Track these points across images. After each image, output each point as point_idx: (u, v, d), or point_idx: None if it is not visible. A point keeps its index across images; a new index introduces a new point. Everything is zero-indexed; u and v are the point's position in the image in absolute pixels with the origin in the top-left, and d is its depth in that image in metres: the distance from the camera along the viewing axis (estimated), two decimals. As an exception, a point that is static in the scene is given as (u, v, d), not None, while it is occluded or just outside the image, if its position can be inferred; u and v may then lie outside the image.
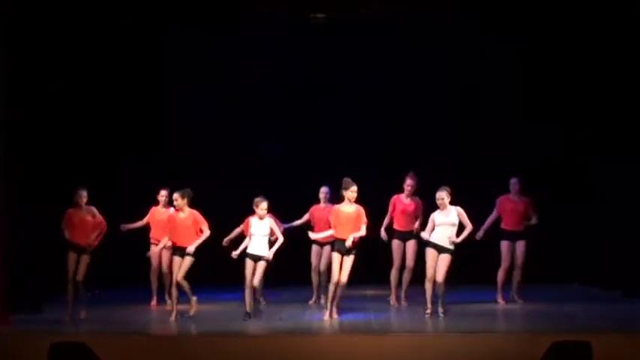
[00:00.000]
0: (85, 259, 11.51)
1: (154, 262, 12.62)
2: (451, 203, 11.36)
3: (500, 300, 12.41)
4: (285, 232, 11.70)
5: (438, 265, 11.28)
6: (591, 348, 8.21)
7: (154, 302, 12.67)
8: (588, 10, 12.93)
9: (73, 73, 13.44)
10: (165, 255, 12.27)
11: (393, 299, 12.44)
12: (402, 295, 12.42)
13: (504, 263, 12.48)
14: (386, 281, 12.65)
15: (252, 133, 14.88)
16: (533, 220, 12.51)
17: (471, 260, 12.51)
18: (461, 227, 11.35)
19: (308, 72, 14.65)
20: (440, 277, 11.23)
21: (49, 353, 8.27)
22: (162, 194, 12.62)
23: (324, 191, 12.55)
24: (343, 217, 11.18)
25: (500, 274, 12.52)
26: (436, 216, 11.38)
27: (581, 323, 10.77)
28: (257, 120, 14.87)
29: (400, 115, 14.77)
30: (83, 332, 10.27)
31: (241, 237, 11.58)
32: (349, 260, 11.09)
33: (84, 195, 11.56)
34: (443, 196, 11.34)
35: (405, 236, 12.35)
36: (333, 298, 11.16)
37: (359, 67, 14.60)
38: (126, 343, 9.92)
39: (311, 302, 12.68)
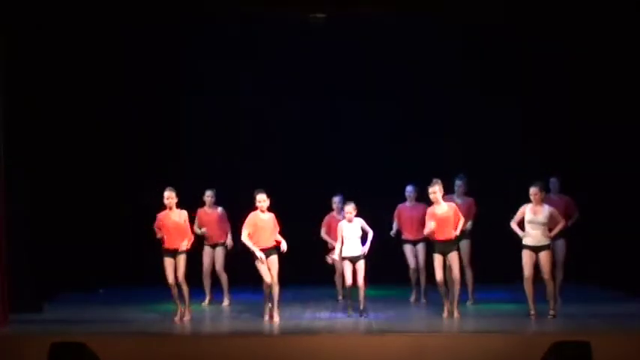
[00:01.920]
0: (181, 258, 11.22)
1: (207, 262, 12.66)
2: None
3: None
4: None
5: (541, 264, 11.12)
6: (591, 348, 8.22)
7: (206, 302, 12.67)
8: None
9: (82, 74, 13.52)
10: (220, 255, 12.40)
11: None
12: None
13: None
14: (386, 282, 12.68)
15: (251, 134, 14.88)
16: (574, 219, 12.44)
17: (472, 260, 12.51)
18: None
19: (307, 72, 14.66)
20: (547, 274, 11.13)
21: (49, 353, 8.27)
22: (209, 195, 12.61)
23: (409, 190, 12.56)
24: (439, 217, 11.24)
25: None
26: (527, 212, 11.18)
27: (581, 323, 10.77)
28: (256, 120, 14.86)
29: (401, 116, 14.77)
30: (83, 332, 10.26)
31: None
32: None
33: (172, 196, 11.25)
34: (536, 191, 11.15)
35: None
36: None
37: (359, 67, 14.60)
38: (126, 343, 9.93)
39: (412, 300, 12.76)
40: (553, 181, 12.59)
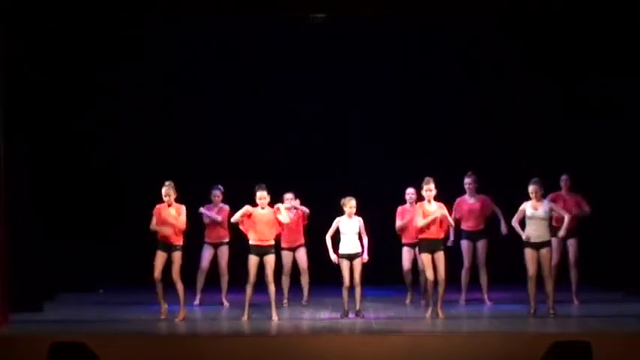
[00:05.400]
0: (176, 255, 11.20)
1: (205, 262, 12.52)
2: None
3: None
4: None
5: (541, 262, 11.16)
6: (591, 348, 8.21)
7: (197, 302, 12.54)
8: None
9: (75, 69, 13.50)
10: (225, 253, 12.32)
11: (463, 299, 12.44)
12: (485, 295, 12.39)
13: (554, 260, 12.43)
14: (386, 282, 12.70)
15: (251, 134, 14.88)
16: (586, 212, 12.36)
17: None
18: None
19: (307, 72, 14.65)
20: (546, 271, 11.17)
21: (49, 353, 8.27)
22: (216, 194, 12.48)
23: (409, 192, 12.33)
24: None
25: (553, 271, 12.49)
26: (527, 209, 11.22)
27: (581, 323, 10.77)
28: (256, 120, 14.86)
29: (402, 116, 14.78)
30: (83, 332, 10.27)
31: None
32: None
33: (170, 192, 11.17)
34: (537, 189, 11.18)
35: (474, 236, 12.34)
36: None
37: (359, 67, 14.60)
38: (126, 343, 9.93)
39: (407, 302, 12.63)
40: (564, 179, 12.50)
